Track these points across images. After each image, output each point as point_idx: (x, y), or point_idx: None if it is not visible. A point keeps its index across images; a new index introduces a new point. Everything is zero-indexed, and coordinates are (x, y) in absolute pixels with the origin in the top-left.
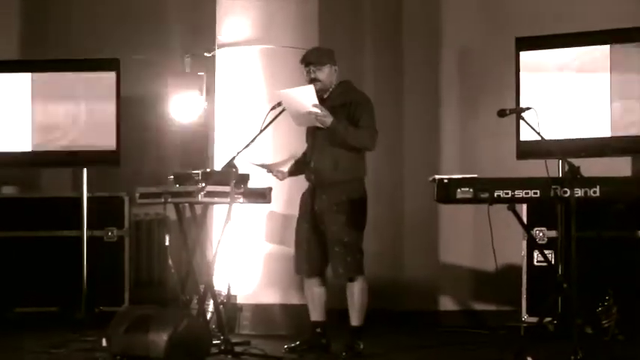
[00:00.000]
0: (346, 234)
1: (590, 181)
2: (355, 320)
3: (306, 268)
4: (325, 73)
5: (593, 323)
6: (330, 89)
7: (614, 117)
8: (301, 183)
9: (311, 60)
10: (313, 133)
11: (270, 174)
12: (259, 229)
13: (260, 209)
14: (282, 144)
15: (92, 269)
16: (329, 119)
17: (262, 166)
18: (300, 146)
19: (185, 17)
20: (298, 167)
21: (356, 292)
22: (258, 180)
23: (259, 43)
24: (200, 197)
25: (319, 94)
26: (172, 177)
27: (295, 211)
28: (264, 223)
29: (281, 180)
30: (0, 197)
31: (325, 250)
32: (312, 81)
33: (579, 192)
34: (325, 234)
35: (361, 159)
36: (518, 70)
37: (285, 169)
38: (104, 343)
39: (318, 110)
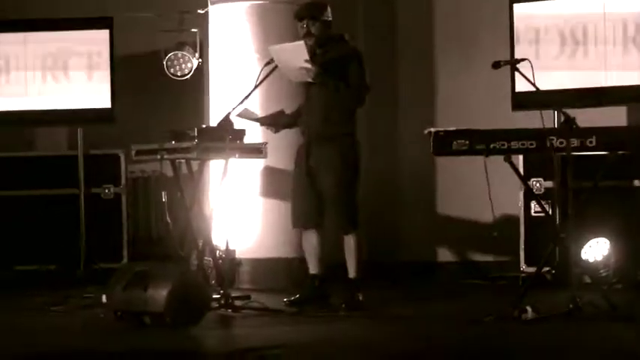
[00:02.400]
0: (339, 188)
1: (586, 132)
2: (353, 272)
3: (303, 221)
4: (319, 28)
5: (591, 272)
6: (324, 43)
7: (610, 67)
8: (296, 138)
9: (305, 14)
10: (307, 88)
11: (259, 125)
12: (256, 184)
13: (256, 164)
14: (275, 100)
15: (90, 227)
16: (319, 76)
17: (247, 115)
18: (291, 102)
19: None
20: (294, 120)
21: (352, 245)
22: (254, 135)
23: None
24: (196, 153)
25: (312, 48)
26: (168, 134)
27: (290, 166)
28: (260, 178)
29: (275, 133)
30: None
31: (321, 203)
32: (307, 35)
33: (575, 142)
34: (321, 187)
35: (352, 114)
36: (512, 22)
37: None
38: (104, 299)
39: (309, 66)
